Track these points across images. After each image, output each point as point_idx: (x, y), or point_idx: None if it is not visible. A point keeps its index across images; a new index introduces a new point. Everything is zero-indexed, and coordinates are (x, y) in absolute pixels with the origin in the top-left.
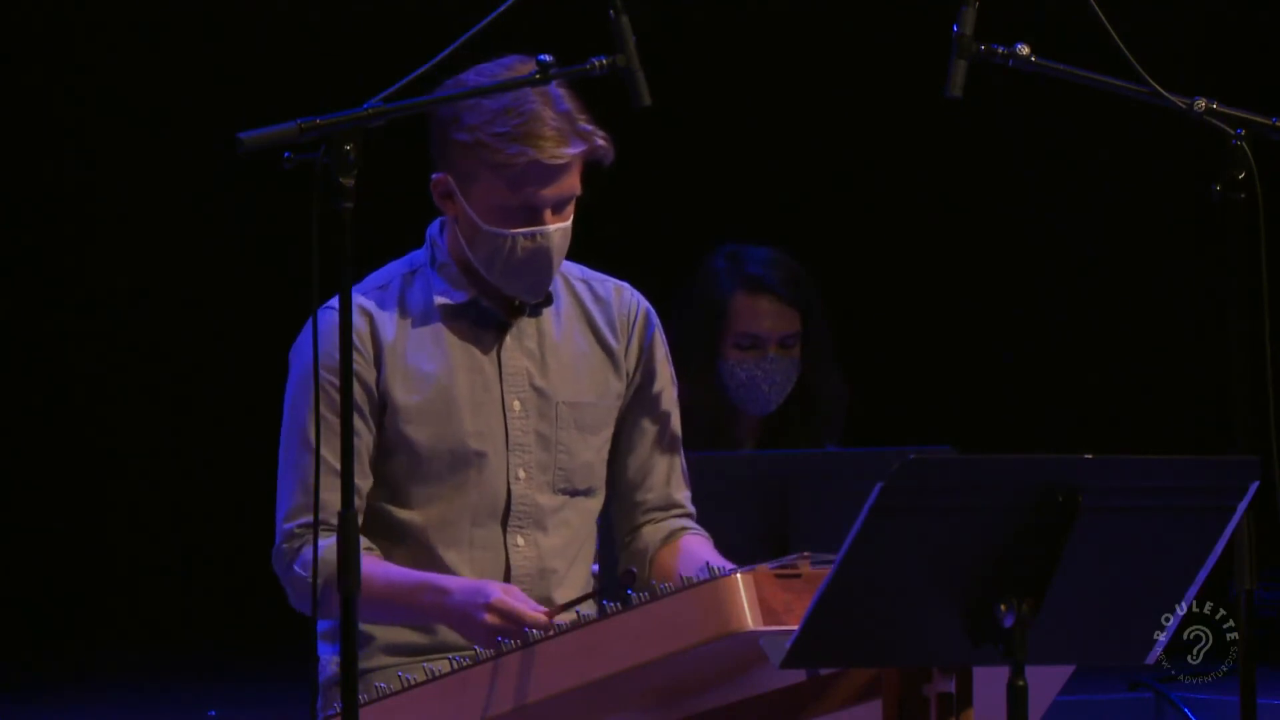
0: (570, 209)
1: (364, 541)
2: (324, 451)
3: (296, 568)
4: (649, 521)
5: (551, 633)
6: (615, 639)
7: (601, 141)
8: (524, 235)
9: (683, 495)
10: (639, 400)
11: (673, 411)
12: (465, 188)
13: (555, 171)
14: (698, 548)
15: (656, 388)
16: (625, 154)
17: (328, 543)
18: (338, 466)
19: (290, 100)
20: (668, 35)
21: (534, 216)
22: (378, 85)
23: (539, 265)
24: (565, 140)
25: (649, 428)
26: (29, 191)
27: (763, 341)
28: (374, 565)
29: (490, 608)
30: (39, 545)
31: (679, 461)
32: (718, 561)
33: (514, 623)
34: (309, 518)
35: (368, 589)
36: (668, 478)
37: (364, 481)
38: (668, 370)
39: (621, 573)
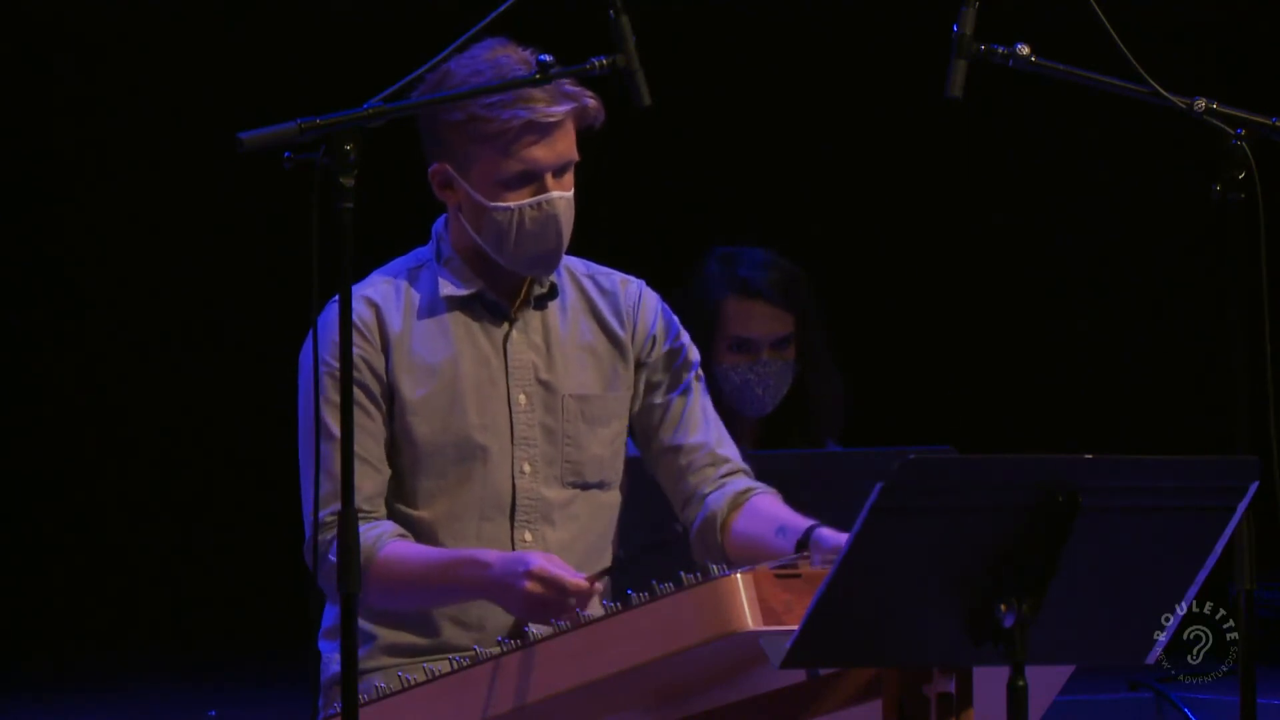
0: (571, 177)
1: (396, 528)
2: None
3: (331, 557)
4: (703, 482)
5: (552, 633)
6: (615, 639)
7: (590, 101)
8: (530, 205)
9: (727, 449)
10: (661, 376)
11: (699, 378)
12: (464, 170)
13: (550, 129)
14: (769, 506)
15: (681, 359)
16: (623, 155)
17: (363, 528)
18: (360, 453)
19: (290, 100)
20: (667, 35)
21: (536, 183)
22: (378, 85)
23: (549, 235)
24: (555, 99)
25: (677, 398)
26: (28, 192)
27: (755, 345)
28: (410, 548)
29: (530, 575)
30: (38, 545)
31: (715, 420)
32: (792, 521)
33: (555, 589)
34: (339, 505)
35: (406, 571)
36: (706, 436)
37: (385, 468)
38: (686, 340)
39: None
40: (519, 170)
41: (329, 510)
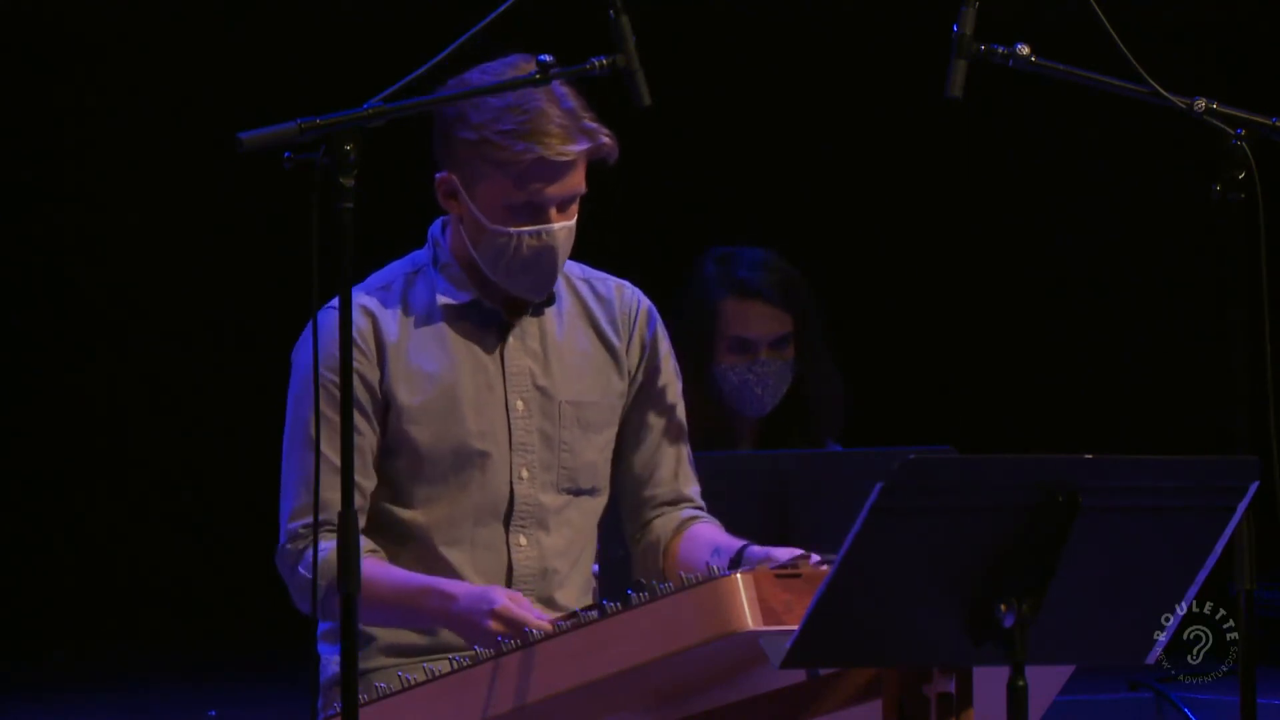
0: (575, 207)
1: (368, 544)
2: (327, 451)
3: (301, 569)
4: (658, 515)
5: (552, 633)
6: (615, 639)
7: (606, 139)
8: (529, 234)
9: (692, 489)
10: (644, 396)
11: (678, 406)
12: (470, 187)
13: (561, 168)
14: (707, 532)
15: (661, 383)
16: (622, 155)
17: (330, 544)
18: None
19: (290, 100)
20: (667, 35)
21: (539, 214)
22: (378, 85)
23: (544, 264)
24: (571, 137)
25: (655, 423)
26: (28, 192)
27: (753, 345)
28: (378, 568)
29: (494, 615)
30: (39, 545)
31: (686, 456)
32: (726, 543)
33: (516, 630)
34: (310, 518)
35: (372, 592)
36: (675, 472)
37: (368, 481)
38: (671, 365)
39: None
40: (524, 201)
41: (304, 521)
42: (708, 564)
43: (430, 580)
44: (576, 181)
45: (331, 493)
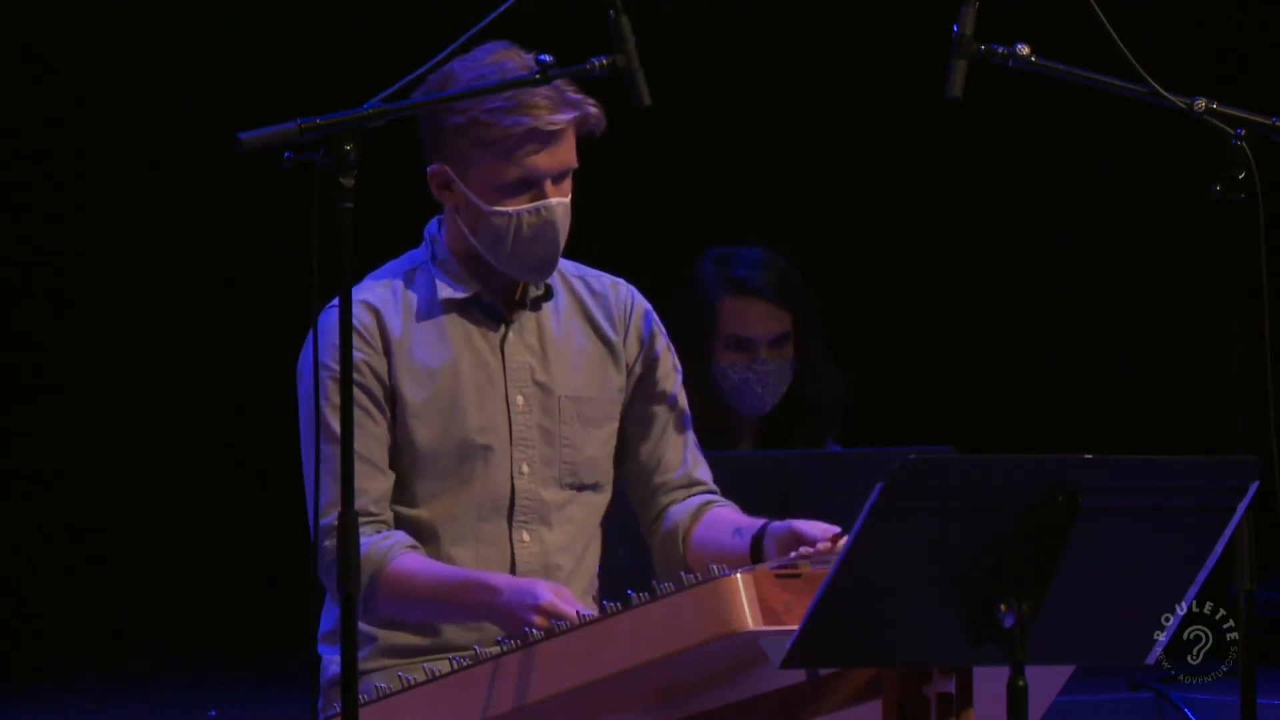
0: (569, 184)
1: (407, 539)
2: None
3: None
4: (672, 501)
5: (552, 632)
6: (615, 639)
7: (592, 109)
8: (528, 211)
9: (702, 473)
10: (644, 389)
11: (680, 397)
12: (463, 173)
13: (551, 138)
14: (726, 514)
15: (660, 374)
16: (622, 155)
17: (371, 540)
18: (366, 455)
19: (290, 100)
20: (667, 35)
21: (535, 190)
22: (378, 85)
23: (545, 241)
24: (557, 107)
25: (657, 413)
26: (29, 191)
27: (753, 343)
28: (420, 562)
29: (539, 609)
30: (39, 545)
31: (693, 443)
32: (748, 522)
33: None
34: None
35: (413, 587)
36: (684, 457)
37: (390, 473)
38: (670, 357)
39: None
40: (519, 177)
41: (336, 515)
42: (708, 564)
43: (471, 573)
44: (568, 154)
45: (364, 481)
